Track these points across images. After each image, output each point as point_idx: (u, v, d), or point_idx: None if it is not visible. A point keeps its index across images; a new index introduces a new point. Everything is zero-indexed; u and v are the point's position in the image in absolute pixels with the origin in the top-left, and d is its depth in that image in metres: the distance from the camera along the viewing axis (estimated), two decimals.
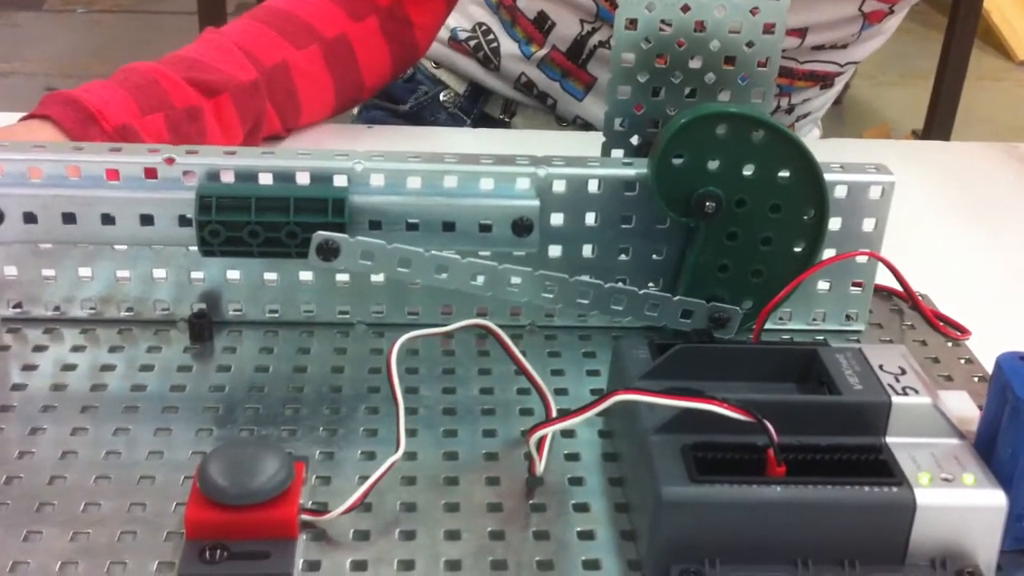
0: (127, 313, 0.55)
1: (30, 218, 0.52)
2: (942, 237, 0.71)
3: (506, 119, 1.00)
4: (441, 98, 1.01)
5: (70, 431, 0.48)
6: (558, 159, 0.54)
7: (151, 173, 0.52)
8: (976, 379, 0.55)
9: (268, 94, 0.76)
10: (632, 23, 0.54)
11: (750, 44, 0.54)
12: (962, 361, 0.56)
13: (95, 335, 0.54)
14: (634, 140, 0.56)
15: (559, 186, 0.54)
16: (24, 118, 0.67)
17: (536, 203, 0.53)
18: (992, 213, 0.76)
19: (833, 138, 0.98)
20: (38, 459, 0.46)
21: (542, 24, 0.94)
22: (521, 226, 0.53)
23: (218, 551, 0.41)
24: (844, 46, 0.92)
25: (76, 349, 0.53)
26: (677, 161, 0.52)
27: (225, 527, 0.41)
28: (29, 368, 0.52)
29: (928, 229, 0.72)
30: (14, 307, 0.55)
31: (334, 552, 0.42)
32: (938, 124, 2.23)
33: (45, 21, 3.24)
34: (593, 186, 0.54)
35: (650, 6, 0.53)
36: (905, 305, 0.60)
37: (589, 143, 0.57)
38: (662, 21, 0.54)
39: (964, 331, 0.58)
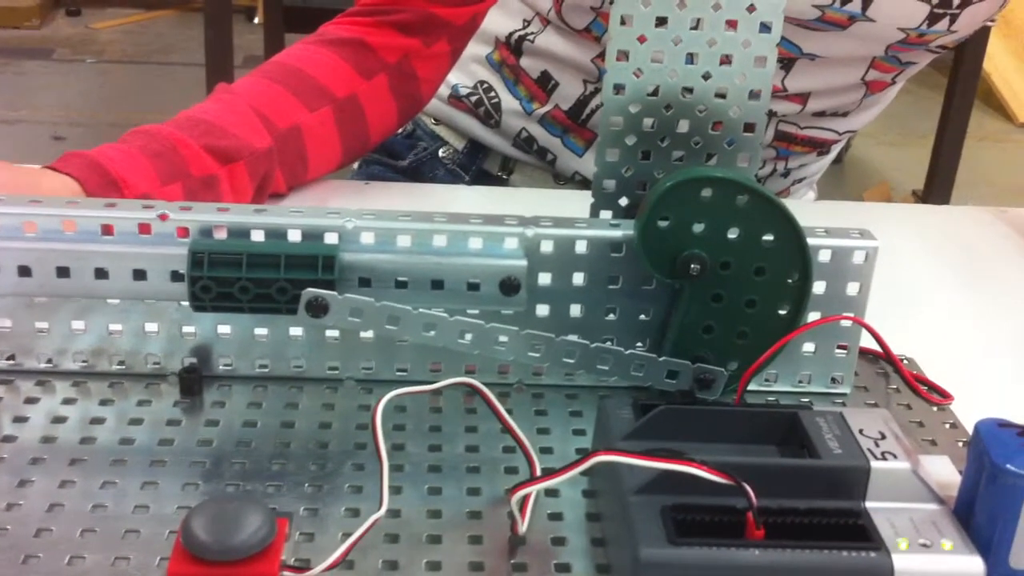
0: (119, 366, 0.56)
1: (24, 271, 0.53)
2: (932, 300, 0.72)
3: (504, 176, 1.02)
4: (440, 154, 1.02)
5: (58, 483, 0.48)
6: (546, 220, 0.55)
7: (145, 229, 0.53)
8: (960, 443, 0.55)
9: (279, 157, 0.76)
10: (620, 88, 0.55)
11: (736, 109, 0.55)
12: (946, 425, 0.56)
13: (87, 388, 0.55)
14: (623, 201, 0.57)
15: (547, 246, 0.54)
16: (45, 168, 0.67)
17: (524, 263, 0.54)
18: (981, 277, 0.76)
19: (827, 200, 0.99)
20: (25, 511, 0.46)
21: (545, 83, 0.95)
22: (509, 285, 0.54)
23: None
24: (845, 114, 0.93)
25: (67, 402, 0.54)
26: (663, 223, 0.53)
27: None
28: (20, 420, 0.52)
29: (919, 292, 0.72)
30: (7, 359, 0.56)
31: None
32: (938, 185, 2.24)
33: (54, 69, 3.28)
34: (581, 247, 0.55)
35: (638, 72, 0.55)
36: (891, 368, 0.61)
37: (585, 201, 0.58)
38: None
39: (947, 396, 0.58)
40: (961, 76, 2.15)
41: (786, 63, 0.86)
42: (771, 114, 0.90)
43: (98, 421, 0.53)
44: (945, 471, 0.46)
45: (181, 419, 0.53)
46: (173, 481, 0.49)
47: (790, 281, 0.54)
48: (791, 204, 0.54)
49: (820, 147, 0.96)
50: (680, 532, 0.41)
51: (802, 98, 0.89)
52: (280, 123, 0.76)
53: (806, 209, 0.91)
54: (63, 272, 0.53)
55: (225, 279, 0.52)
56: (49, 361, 0.56)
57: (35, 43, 3.45)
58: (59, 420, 0.53)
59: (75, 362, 0.56)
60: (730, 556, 0.41)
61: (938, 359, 0.62)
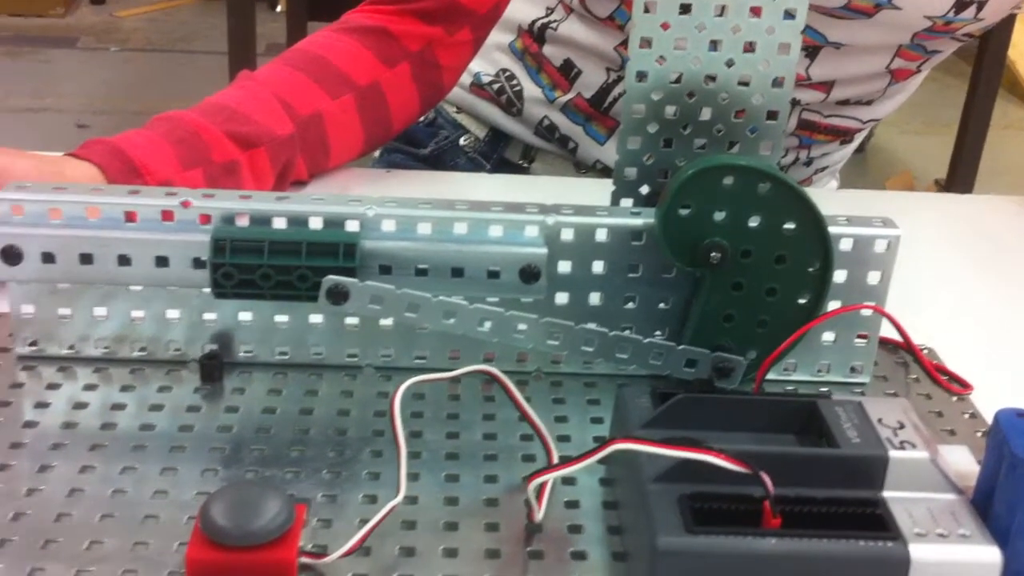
0: (140, 353, 0.56)
1: (48, 258, 0.53)
2: (953, 290, 0.72)
3: (525, 164, 1.01)
4: (461, 143, 1.02)
5: (79, 469, 0.49)
6: (567, 207, 0.55)
7: (168, 216, 0.53)
8: (979, 434, 0.55)
9: (301, 144, 0.76)
10: (642, 76, 0.55)
11: (759, 97, 0.55)
12: (966, 415, 0.56)
13: (108, 374, 0.55)
14: (644, 190, 0.57)
15: (567, 234, 0.54)
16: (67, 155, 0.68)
17: (544, 251, 0.54)
18: (1004, 266, 0.76)
19: (850, 189, 0.98)
20: (46, 496, 0.47)
21: (568, 71, 0.95)
22: (529, 273, 0.54)
23: None
24: (869, 102, 0.93)
25: (89, 388, 0.54)
26: (684, 211, 0.53)
27: (225, 568, 0.42)
28: (42, 405, 0.53)
29: (941, 281, 0.72)
30: (30, 345, 0.56)
31: None
32: (961, 174, 2.22)
33: (78, 58, 3.30)
34: (601, 235, 0.55)
35: (661, 59, 0.54)
36: (911, 358, 0.61)
37: (605, 190, 0.58)
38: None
39: (967, 386, 0.58)
40: (985, 64, 2.13)
41: (811, 51, 0.86)
42: (795, 102, 0.90)
43: (119, 407, 0.53)
44: (964, 461, 0.45)
45: (201, 405, 0.54)
46: (192, 467, 0.49)
47: (811, 270, 0.54)
48: (813, 193, 0.53)
49: (843, 135, 0.96)
50: (698, 521, 0.41)
51: (826, 86, 0.89)
52: (302, 110, 0.76)
53: (828, 197, 0.91)
54: (86, 259, 0.53)
55: (247, 266, 0.52)
56: (71, 347, 0.56)
57: (60, 31, 3.47)
58: (80, 406, 0.53)
59: (97, 348, 0.56)
60: (747, 545, 0.41)
61: (959, 349, 0.61)
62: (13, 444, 0.50)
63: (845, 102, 0.91)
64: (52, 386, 0.54)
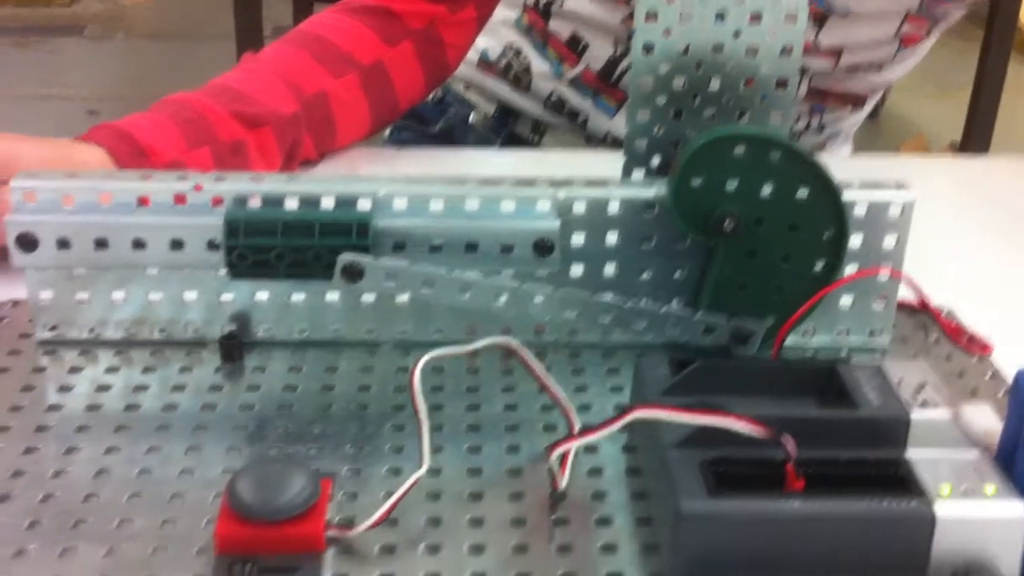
0: (160, 335, 0.57)
1: (63, 244, 0.54)
2: (971, 251, 0.71)
3: (535, 139, 1.01)
4: (470, 119, 1.02)
5: (104, 450, 0.49)
6: (578, 181, 0.55)
7: (180, 199, 0.54)
8: (1000, 394, 0.54)
9: (307, 123, 0.77)
10: (649, 48, 0.54)
11: (768, 66, 0.55)
12: (986, 376, 0.56)
13: (129, 356, 0.56)
14: (655, 161, 0.57)
15: (579, 207, 0.54)
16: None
17: (557, 224, 0.54)
18: (1020, 226, 0.75)
19: (864, 153, 0.98)
20: (73, 477, 0.47)
21: (575, 45, 0.95)
22: (543, 246, 0.54)
23: (247, 566, 0.42)
24: (879, 68, 0.92)
25: (110, 370, 0.55)
26: (695, 182, 0.53)
27: (254, 542, 0.42)
28: (65, 389, 0.53)
29: (959, 243, 0.72)
30: (51, 330, 0.57)
31: (360, 566, 0.43)
32: (975, 137, 2.21)
33: (85, 46, 3.30)
34: (613, 207, 0.55)
35: (667, 31, 0.54)
36: (930, 320, 0.60)
37: (616, 162, 0.58)
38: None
39: (986, 346, 0.58)
40: (997, 27, 2.11)
41: (819, 19, 0.85)
42: (804, 70, 0.89)
43: (141, 388, 0.53)
44: (986, 419, 0.46)
45: (223, 385, 0.54)
46: (216, 445, 0.50)
47: (825, 236, 0.54)
48: (826, 159, 0.53)
49: (854, 101, 0.96)
50: (720, 485, 0.42)
51: (835, 54, 0.89)
52: (306, 89, 0.77)
53: (842, 163, 0.90)
54: (101, 244, 0.54)
55: (261, 247, 0.53)
56: (91, 331, 0.57)
57: (66, 20, 3.47)
58: (103, 388, 0.53)
59: (117, 331, 0.57)
60: (770, 507, 0.41)
61: (977, 310, 0.61)
62: (39, 427, 0.50)
63: (855, 68, 0.91)
64: (74, 369, 0.55)
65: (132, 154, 0.66)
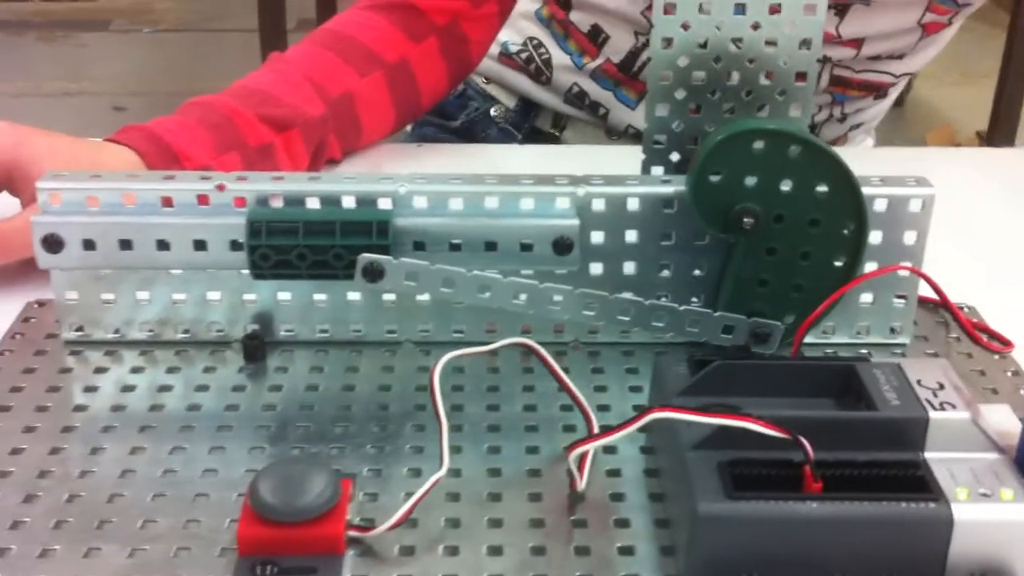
0: (184, 335, 0.57)
1: (89, 245, 0.54)
2: (994, 246, 0.71)
3: (556, 133, 1.01)
4: (492, 113, 1.02)
5: (129, 450, 0.50)
6: (597, 178, 0.55)
7: (203, 200, 0.54)
8: (1022, 391, 0.54)
9: (333, 123, 0.77)
10: (668, 42, 0.54)
11: (787, 59, 0.55)
12: (1008, 373, 0.56)
13: (153, 356, 0.56)
14: (674, 157, 0.57)
15: (598, 204, 0.55)
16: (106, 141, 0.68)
17: (576, 222, 0.54)
18: None
19: (888, 145, 0.98)
20: (99, 477, 0.48)
21: (596, 37, 0.95)
22: (562, 245, 0.54)
23: (268, 567, 0.42)
24: (901, 56, 0.92)
25: (135, 370, 0.55)
26: (715, 178, 0.53)
27: (275, 543, 0.42)
28: (91, 389, 0.54)
29: (980, 238, 0.71)
30: (76, 330, 0.57)
31: (380, 567, 0.43)
32: (1003, 125, 2.19)
33: (112, 41, 3.32)
34: (633, 204, 0.55)
35: (685, 25, 0.54)
36: (951, 317, 0.60)
37: (637, 157, 0.58)
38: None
39: (1008, 343, 0.58)
40: (1023, 10, 2.09)
41: (840, 9, 0.85)
42: (825, 59, 0.89)
43: (166, 389, 0.54)
44: (1006, 420, 0.45)
45: (246, 385, 0.54)
46: (240, 445, 0.50)
47: (845, 232, 0.53)
48: (847, 152, 0.53)
49: (877, 91, 0.95)
50: (738, 486, 0.42)
51: (857, 43, 0.88)
52: (332, 90, 0.77)
53: (863, 157, 0.90)
54: (126, 244, 0.54)
55: (283, 247, 0.53)
56: (116, 331, 0.57)
57: (92, 15, 3.48)
58: (128, 389, 0.54)
59: (141, 332, 0.57)
60: (788, 509, 0.41)
61: (1000, 306, 0.61)
62: (65, 428, 0.51)
63: (876, 57, 0.90)
64: (100, 370, 0.55)
65: (164, 158, 0.67)
